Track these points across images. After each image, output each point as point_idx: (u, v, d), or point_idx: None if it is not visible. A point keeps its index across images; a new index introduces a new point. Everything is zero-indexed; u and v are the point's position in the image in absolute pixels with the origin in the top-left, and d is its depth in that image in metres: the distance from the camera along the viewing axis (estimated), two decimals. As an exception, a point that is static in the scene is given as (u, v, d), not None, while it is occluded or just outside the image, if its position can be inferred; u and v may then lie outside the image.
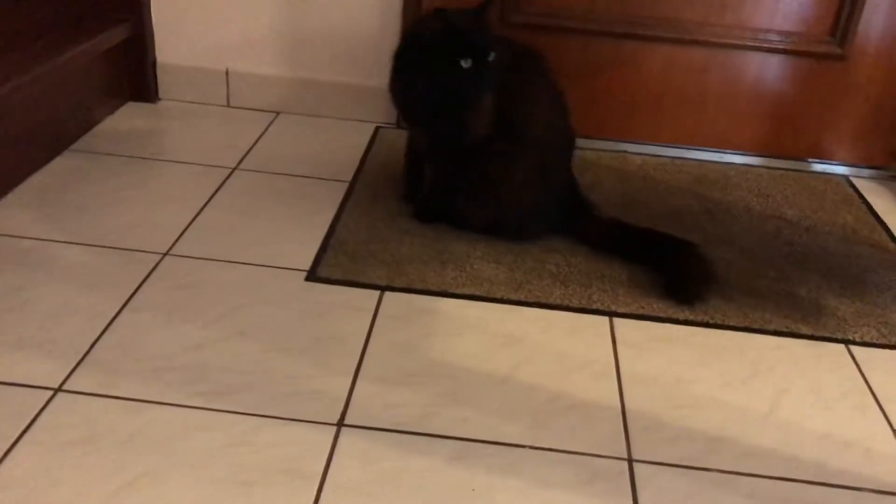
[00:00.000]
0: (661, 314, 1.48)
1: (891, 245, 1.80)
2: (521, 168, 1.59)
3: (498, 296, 1.50)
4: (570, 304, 1.49)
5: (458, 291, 1.50)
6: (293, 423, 1.17)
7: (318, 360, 1.29)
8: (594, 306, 1.49)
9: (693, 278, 1.57)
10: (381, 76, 2.11)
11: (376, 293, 1.47)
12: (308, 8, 2.09)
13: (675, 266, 1.58)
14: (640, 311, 1.48)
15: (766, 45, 2.02)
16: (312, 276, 1.51)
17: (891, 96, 2.05)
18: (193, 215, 1.67)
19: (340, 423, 1.17)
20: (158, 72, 2.18)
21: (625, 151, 2.14)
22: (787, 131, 2.12)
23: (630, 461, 1.15)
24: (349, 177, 1.89)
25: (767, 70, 2.05)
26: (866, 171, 2.14)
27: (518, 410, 1.23)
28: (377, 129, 2.15)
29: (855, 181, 2.10)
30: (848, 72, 2.04)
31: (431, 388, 1.26)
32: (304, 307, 1.42)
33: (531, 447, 1.16)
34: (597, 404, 1.25)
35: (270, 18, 2.11)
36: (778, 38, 2.02)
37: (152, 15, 2.12)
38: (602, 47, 2.06)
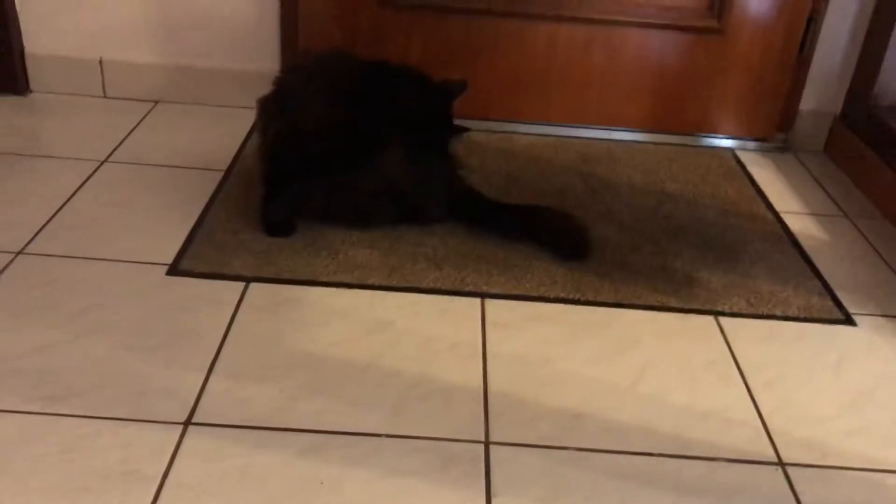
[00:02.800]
0: (533, 293, 1.47)
1: (769, 216, 1.82)
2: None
3: (369, 282, 1.47)
4: (443, 288, 1.47)
5: (329, 279, 1.46)
6: (137, 423, 1.12)
7: (171, 358, 1.24)
8: (466, 288, 1.47)
9: (573, 233, 1.61)
10: (261, 60, 2.06)
11: (241, 285, 1.43)
12: (181, -8, 2.02)
13: (553, 228, 1.61)
14: (513, 292, 1.47)
15: (646, 21, 2.03)
16: (174, 269, 1.45)
17: (770, 68, 2.08)
18: (53, 212, 1.59)
19: (188, 422, 1.13)
20: (28, 62, 2.08)
21: (513, 132, 2.13)
22: (672, 106, 2.13)
23: (486, 444, 1.14)
24: (225, 165, 1.83)
25: (649, 46, 2.06)
26: (751, 144, 2.17)
27: (377, 398, 1.20)
28: (261, 116, 2.10)
29: (740, 154, 2.13)
30: (727, 45, 2.06)
31: (289, 380, 1.22)
32: (161, 302, 1.36)
33: (387, 436, 1.14)
34: (459, 387, 1.23)
35: (142, 4, 2.03)
36: (657, 14, 2.02)
37: (16, 2, 2.02)
38: (485, 26, 2.04)
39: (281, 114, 1.54)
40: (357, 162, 1.51)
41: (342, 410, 1.17)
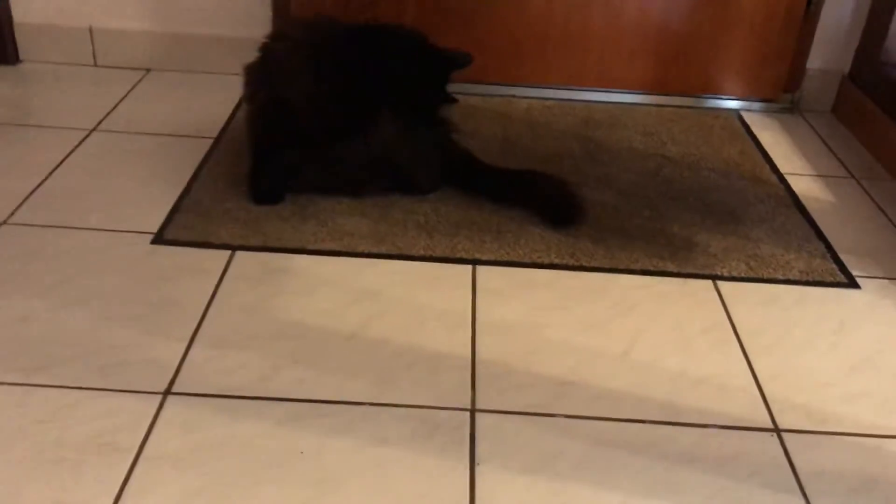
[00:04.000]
0: (526, 259, 1.43)
1: (772, 178, 1.77)
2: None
3: (358, 250, 1.44)
4: (433, 255, 1.43)
5: (316, 247, 1.43)
6: (116, 394, 1.10)
7: (152, 328, 1.22)
8: (458, 255, 1.44)
9: (565, 199, 1.56)
10: (253, 27, 2.02)
11: (227, 253, 1.40)
12: (169, -43, 1.97)
13: (546, 194, 1.57)
14: (505, 258, 1.43)
15: (647, -22, 1.97)
16: (159, 238, 1.42)
17: (776, 26, 2.01)
18: (39, 181, 1.57)
19: (167, 392, 1.10)
20: (16, 32, 2.05)
21: (512, 96, 2.08)
22: (675, 67, 2.07)
23: (472, 411, 1.11)
24: (215, 133, 1.79)
25: (651, 4, 2.00)
26: (757, 105, 2.11)
27: (362, 367, 1.17)
28: (254, 83, 2.06)
29: (745, 116, 2.07)
30: (732, 2, 1.99)
31: (272, 349, 1.19)
32: (145, 272, 1.34)
33: (371, 404, 1.11)
34: (446, 355, 1.20)
35: (131, -30, 1.99)
36: (658, -29, 1.96)
37: (2, -29, 1.99)
38: (481, -13, 1.99)
39: (268, 82, 1.49)
40: (347, 133, 1.47)
41: (325, 380, 1.14)
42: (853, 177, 1.80)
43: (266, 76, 1.49)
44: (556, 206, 1.55)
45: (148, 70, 2.09)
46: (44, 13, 2.03)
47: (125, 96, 1.95)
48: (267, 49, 1.53)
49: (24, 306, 1.24)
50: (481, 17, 2.02)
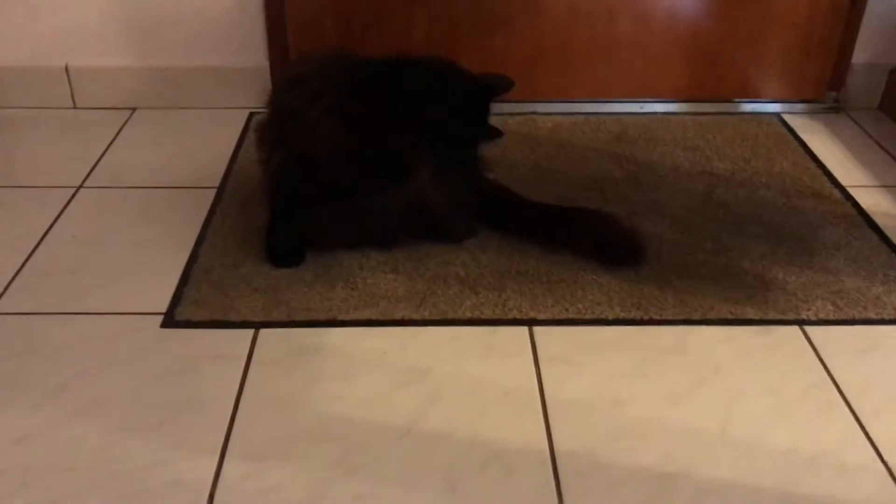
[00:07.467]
0: (588, 315, 1.27)
1: (835, 193, 1.61)
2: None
3: (397, 316, 1.26)
4: (482, 317, 1.26)
5: (350, 317, 1.26)
6: (141, 535, 0.92)
7: (175, 438, 1.04)
8: (510, 315, 1.27)
9: (623, 236, 1.41)
10: (246, 54, 1.84)
11: (249, 333, 1.22)
12: (149, -16, 1.78)
13: (599, 231, 1.41)
14: (564, 315, 1.27)
15: (677, -23, 1.80)
16: (170, 320, 1.24)
17: (819, 21, 1.85)
18: (25, 257, 1.38)
19: (202, 527, 0.93)
20: (-16, 76, 1.85)
21: (534, 112, 1.90)
22: (709, 71, 1.91)
23: (564, 525, 0.95)
24: (217, 181, 1.61)
25: (681, 5, 1.82)
26: (799, 106, 1.95)
27: (425, 472, 1.00)
28: (251, 115, 1.87)
29: (788, 119, 1.91)
30: (770, -2, 1.83)
31: (317, 458, 1.02)
32: (158, 365, 1.16)
33: (443, 522, 0.95)
34: (520, 449, 1.04)
35: (107, 1, 1.79)
36: (690, -32, 1.79)
37: (-37, 10, 1.79)
38: (496, -3, 1.81)
39: (284, 139, 1.30)
40: (380, 187, 1.29)
41: (385, 493, 0.97)
42: (919, 184, 1.65)
43: (282, 133, 1.30)
44: (614, 245, 1.38)
45: (133, 109, 1.90)
46: (14, 54, 1.83)
47: (111, 143, 1.76)
48: (278, 101, 1.34)
49: (23, 423, 1.06)
50: (497, 29, 1.84)
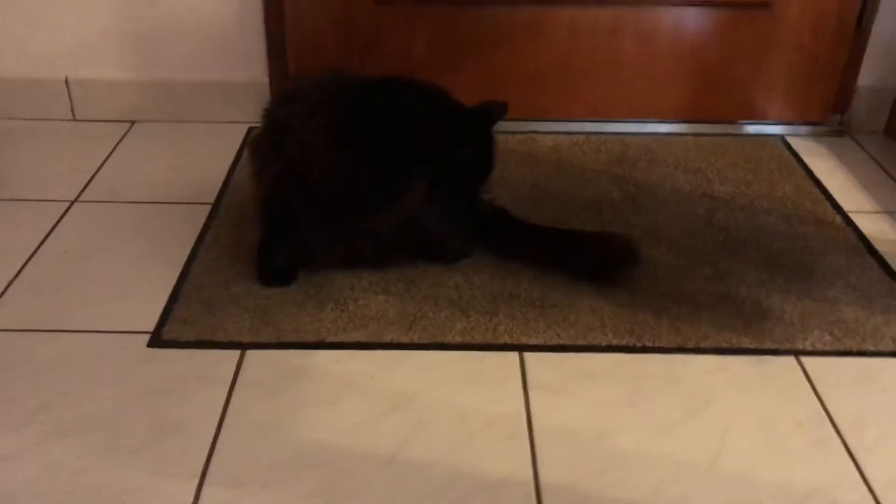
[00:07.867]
0: (581, 341, 1.25)
1: (836, 219, 1.58)
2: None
3: (386, 339, 1.25)
4: (473, 341, 1.25)
5: (338, 339, 1.25)
6: (115, 563, 0.91)
7: (155, 462, 1.03)
8: (501, 340, 1.25)
9: (616, 243, 1.41)
10: (247, 69, 1.83)
11: (236, 354, 1.21)
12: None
13: (593, 246, 1.40)
14: (555, 341, 1.25)
15: (680, -2, 1.78)
16: (157, 339, 1.23)
17: (824, 44, 1.83)
18: (15, 272, 1.37)
19: (177, 556, 0.92)
20: (-16, 87, 1.85)
21: (534, 132, 1.89)
22: (713, 92, 1.89)
23: (546, 561, 0.92)
24: (213, 197, 1.60)
25: (684, 26, 1.81)
26: (803, 129, 1.93)
27: (407, 503, 0.99)
28: (250, 130, 1.86)
29: (791, 141, 1.88)
30: (775, 19, 1.80)
31: (299, 485, 1.00)
32: (142, 386, 1.15)
33: (423, 556, 0.93)
34: (505, 480, 1.02)
35: (109, 14, 1.79)
36: (694, -11, 1.78)
37: (-36, 22, 1.79)
38: (497, 16, 1.79)
39: (278, 156, 1.29)
40: (374, 208, 1.28)
41: (365, 523, 0.96)
42: (924, 211, 1.62)
43: (275, 148, 1.29)
44: (606, 252, 1.38)
45: (132, 122, 1.89)
46: (15, 66, 1.83)
47: (109, 156, 1.75)
48: (273, 117, 1.33)
49: (4, 443, 1.05)
50: (499, 47, 1.83)
